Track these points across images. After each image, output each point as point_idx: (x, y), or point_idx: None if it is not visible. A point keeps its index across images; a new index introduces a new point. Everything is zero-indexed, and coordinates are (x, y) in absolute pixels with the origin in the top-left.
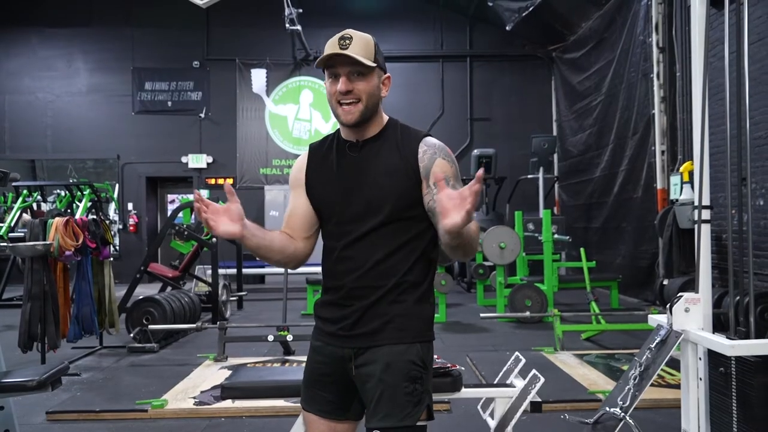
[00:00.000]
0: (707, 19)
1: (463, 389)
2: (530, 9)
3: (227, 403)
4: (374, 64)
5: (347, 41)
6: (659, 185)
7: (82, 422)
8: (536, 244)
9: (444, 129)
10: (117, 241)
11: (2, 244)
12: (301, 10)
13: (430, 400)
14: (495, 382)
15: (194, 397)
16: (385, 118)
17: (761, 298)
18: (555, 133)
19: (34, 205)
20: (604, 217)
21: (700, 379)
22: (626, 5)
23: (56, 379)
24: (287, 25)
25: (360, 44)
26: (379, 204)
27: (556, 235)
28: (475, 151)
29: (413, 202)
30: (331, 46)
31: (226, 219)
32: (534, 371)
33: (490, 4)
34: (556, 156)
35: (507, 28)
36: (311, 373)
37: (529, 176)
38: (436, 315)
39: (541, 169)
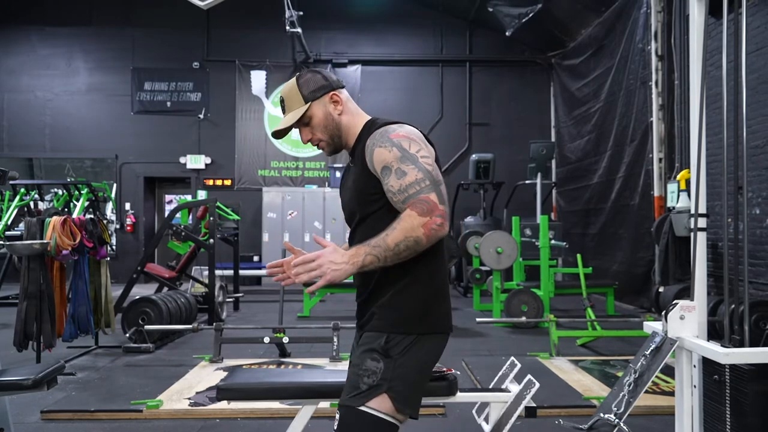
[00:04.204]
0: (706, 28)
1: (459, 393)
2: (530, 15)
3: (222, 405)
4: (305, 105)
5: (282, 104)
6: (656, 192)
7: (76, 422)
8: (533, 250)
9: (443, 133)
10: (114, 240)
11: None
12: (301, 13)
13: (396, 394)
14: (490, 386)
15: (189, 398)
16: (360, 125)
17: (756, 307)
18: (553, 139)
19: (31, 204)
20: (601, 223)
21: (695, 386)
22: (626, 13)
23: (52, 378)
24: (287, 28)
25: (288, 98)
26: (351, 206)
27: (553, 241)
28: (474, 155)
29: (374, 198)
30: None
31: None
32: (529, 376)
33: (491, 9)
34: (554, 162)
35: (507, 33)
36: None
37: (527, 182)
38: None
39: (539, 174)
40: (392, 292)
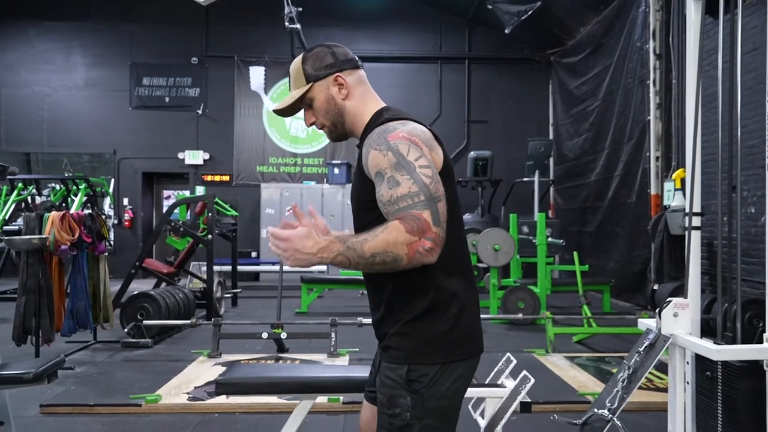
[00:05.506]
0: (702, 27)
1: None
2: (529, 13)
3: (221, 399)
4: (307, 85)
5: (288, 80)
6: (653, 191)
7: (76, 416)
8: (530, 247)
9: (441, 131)
10: (112, 236)
11: None
12: (300, 9)
13: (427, 429)
14: (486, 382)
15: (188, 393)
16: (368, 114)
17: (750, 305)
18: (551, 136)
19: (29, 199)
20: (598, 221)
21: (687, 382)
22: (625, 11)
23: (52, 372)
24: (286, 24)
25: (293, 75)
26: (352, 210)
27: (550, 239)
28: (472, 153)
29: (370, 206)
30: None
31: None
32: (525, 372)
33: (490, 6)
34: (551, 160)
35: (506, 31)
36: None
37: (525, 179)
38: None
39: (537, 172)
40: (407, 318)
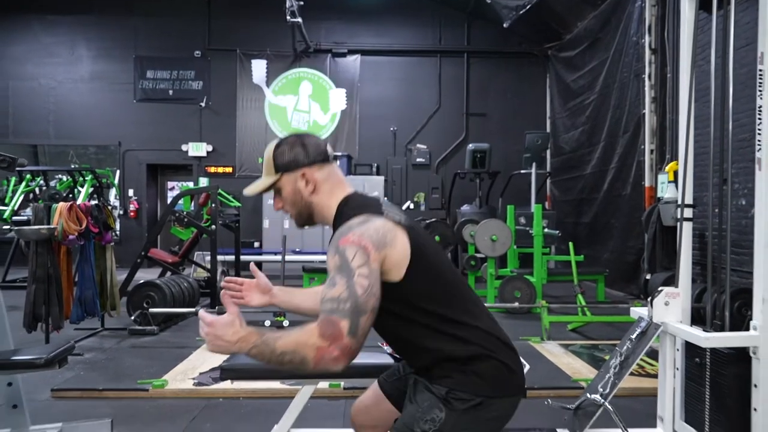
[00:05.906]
0: (696, 22)
1: None
2: (527, 7)
3: (225, 385)
4: (275, 176)
5: (262, 164)
6: (647, 183)
7: (85, 400)
8: (527, 238)
9: (440, 123)
10: (118, 226)
11: (6, 227)
12: (302, 3)
13: None
14: None
15: (193, 378)
16: (334, 207)
17: (738, 294)
18: (548, 129)
19: (37, 190)
20: (593, 212)
21: (677, 368)
22: (621, 6)
23: (63, 358)
24: (288, 17)
25: (265, 161)
26: None
27: (546, 230)
28: (470, 145)
29: None
30: None
31: (257, 292)
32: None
33: (489, 1)
34: (548, 152)
35: (504, 25)
36: None
37: (522, 171)
38: None
39: (534, 164)
40: (457, 363)
